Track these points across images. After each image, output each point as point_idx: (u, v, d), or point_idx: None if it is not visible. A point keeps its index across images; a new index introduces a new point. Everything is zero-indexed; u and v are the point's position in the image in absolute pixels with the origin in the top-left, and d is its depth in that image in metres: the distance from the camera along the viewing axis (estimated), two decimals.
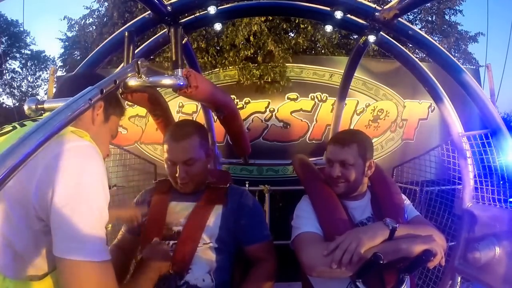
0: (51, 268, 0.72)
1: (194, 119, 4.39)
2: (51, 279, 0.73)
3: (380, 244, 1.01)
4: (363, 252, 0.98)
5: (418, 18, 7.50)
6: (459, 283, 1.76)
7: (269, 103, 5.08)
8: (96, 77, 0.86)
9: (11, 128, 0.79)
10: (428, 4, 6.83)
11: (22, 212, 0.68)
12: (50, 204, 0.65)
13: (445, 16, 7.30)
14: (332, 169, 1.19)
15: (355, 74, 2.43)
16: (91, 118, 0.87)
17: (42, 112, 0.82)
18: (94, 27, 7.06)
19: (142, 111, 4.74)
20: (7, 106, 13.70)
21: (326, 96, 5.06)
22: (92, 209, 0.68)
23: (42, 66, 14.68)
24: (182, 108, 4.96)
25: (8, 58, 13.80)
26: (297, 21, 5.34)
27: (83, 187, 0.67)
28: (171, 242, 1.18)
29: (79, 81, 0.89)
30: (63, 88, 0.91)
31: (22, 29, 13.84)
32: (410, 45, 3.61)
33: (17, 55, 14.41)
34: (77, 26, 7.46)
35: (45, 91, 14.01)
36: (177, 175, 1.19)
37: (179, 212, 1.24)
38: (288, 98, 5.09)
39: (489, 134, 1.62)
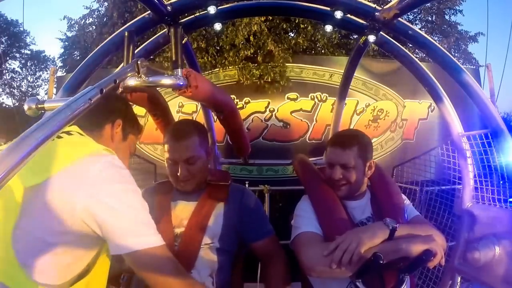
0: (82, 273, 0.79)
1: (194, 119, 4.38)
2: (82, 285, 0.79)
3: (380, 244, 1.01)
4: (363, 252, 0.98)
5: (418, 18, 7.50)
6: (459, 283, 1.75)
7: (269, 103, 5.08)
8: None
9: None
10: (428, 4, 6.84)
11: (66, 220, 0.74)
12: (101, 211, 0.74)
13: (445, 16, 7.31)
14: (333, 172, 1.19)
15: (355, 74, 2.43)
16: (110, 136, 0.95)
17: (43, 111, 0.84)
18: (94, 27, 7.07)
19: (141, 111, 4.72)
20: (7, 106, 13.69)
21: (326, 96, 5.06)
22: (139, 206, 0.80)
23: (42, 66, 14.68)
24: (182, 108, 4.96)
25: (8, 58, 13.80)
26: (297, 21, 5.34)
27: (126, 191, 0.79)
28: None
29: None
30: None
31: (22, 29, 13.85)
32: (410, 45, 3.61)
33: (17, 55, 14.41)
34: (77, 26, 7.48)
35: (45, 91, 14.02)
36: (178, 173, 1.20)
37: (181, 213, 1.23)
38: (288, 98, 5.09)
39: (489, 134, 1.62)
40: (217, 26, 1.83)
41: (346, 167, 1.18)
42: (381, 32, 1.74)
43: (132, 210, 0.78)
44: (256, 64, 4.93)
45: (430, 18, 7.35)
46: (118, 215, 0.75)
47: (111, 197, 0.75)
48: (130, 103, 1.12)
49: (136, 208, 0.79)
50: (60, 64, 9.58)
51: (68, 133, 0.85)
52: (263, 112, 5.07)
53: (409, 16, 7.32)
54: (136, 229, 0.77)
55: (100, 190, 0.75)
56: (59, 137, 0.82)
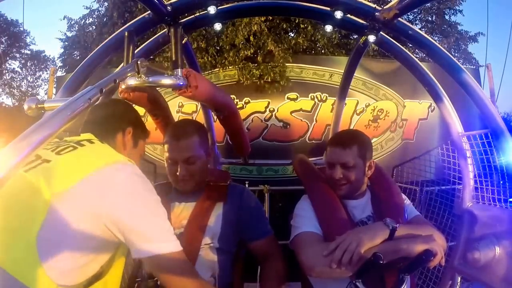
0: (97, 274, 0.83)
1: (194, 119, 4.39)
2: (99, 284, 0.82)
3: (380, 244, 1.01)
4: (363, 252, 0.98)
5: (418, 18, 7.50)
6: (459, 283, 1.75)
7: (269, 103, 5.08)
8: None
9: (72, 148, 0.85)
10: (428, 4, 6.83)
11: (90, 224, 0.78)
12: (125, 218, 0.79)
13: (445, 16, 7.31)
14: (334, 172, 1.19)
15: (355, 74, 2.43)
16: (122, 144, 1.01)
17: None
18: (94, 27, 7.07)
19: (141, 111, 4.72)
20: (7, 106, 13.68)
21: (326, 96, 5.06)
22: (160, 213, 0.86)
23: (42, 66, 14.65)
24: (182, 108, 4.95)
25: (8, 58, 13.80)
26: (297, 21, 5.33)
27: (149, 199, 0.85)
28: None
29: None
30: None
31: (22, 29, 13.83)
32: (410, 45, 3.61)
33: (17, 55, 14.38)
34: (77, 26, 7.48)
35: (45, 91, 14.00)
36: (177, 173, 1.20)
37: (180, 213, 1.23)
38: (288, 98, 5.09)
39: (489, 134, 1.62)
40: (217, 26, 1.83)
41: (346, 167, 1.18)
42: (381, 32, 1.74)
43: (154, 217, 0.84)
44: (256, 64, 4.93)
45: (430, 18, 7.35)
46: (140, 222, 0.80)
47: (135, 205, 0.81)
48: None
49: (157, 215, 0.85)
50: (60, 64, 9.55)
51: (90, 141, 0.89)
52: (263, 112, 5.07)
53: (409, 16, 7.32)
54: (157, 235, 0.83)
55: (125, 199, 0.80)
56: (81, 145, 0.86)
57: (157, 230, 0.83)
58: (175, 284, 0.86)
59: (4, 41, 13.66)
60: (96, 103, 0.72)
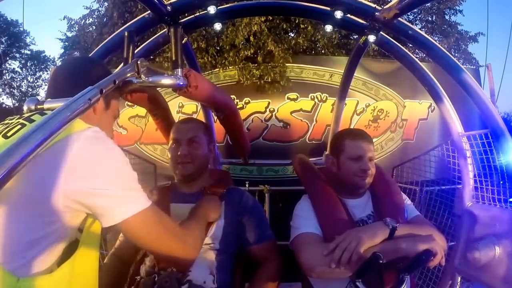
0: (60, 259, 0.75)
1: (191, 118, 4.39)
2: (62, 270, 0.75)
3: (380, 243, 1.01)
4: (362, 252, 0.98)
5: (418, 18, 7.49)
6: (459, 283, 1.75)
7: (269, 103, 5.08)
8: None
9: (20, 126, 0.77)
10: (428, 4, 6.83)
11: (35, 210, 0.71)
12: (87, 187, 0.72)
13: (445, 16, 7.30)
14: (363, 164, 1.20)
15: (355, 74, 2.43)
16: (92, 108, 0.87)
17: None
18: (94, 27, 7.06)
19: (142, 111, 4.74)
20: (7, 106, 13.68)
21: (326, 96, 5.06)
22: (122, 174, 0.77)
23: (42, 66, 14.64)
24: (182, 108, 4.95)
25: (8, 58, 13.80)
26: (297, 21, 5.33)
27: (107, 160, 0.76)
28: None
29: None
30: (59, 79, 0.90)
31: (22, 29, 13.83)
32: (410, 45, 3.61)
33: (17, 55, 14.38)
34: (77, 26, 7.46)
35: (45, 91, 13.94)
36: (179, 153, 1.22)
37: (180, 214, 1.23)
38: (288, 98, 5.09)
39: (489, 134, 1.62)
40: (217, 26, 1.83)
41: (371, 160, 1.21)
42: (381, 32, 1.74)
43: (117, 180, 0.76)
44: (256, 64, 4.93)
45: (430, 18, 7.34)
46: (104, 189, 0.73)
47: (95, 173, 0.73)
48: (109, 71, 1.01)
49: (121, 176, 0.77)
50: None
51: (42, 113, 0.80)
52: (263, 112, 5.07)
53: (409, 16, 7.31)
54: (124, 198, 0.76)
55: (83, 169, 0.71)
56: (31, 120, 0.77)
57: (124, 193, 0.76)
58: (153, 244, 0.83)
59: (4, 41, 13.66)
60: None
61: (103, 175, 0.74)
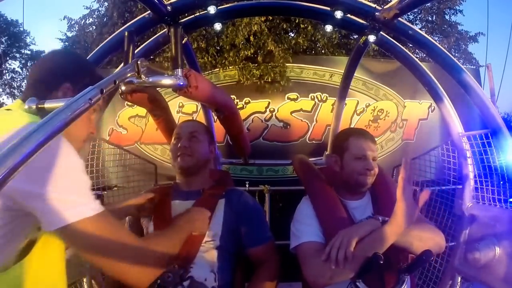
0: (15, 259, 0.71)
1: (194, 119, 4.39)
2: (16, 269, 0.71)
3: (381, 243, 1.01)
4: (354, 244, 0.99)
5: (418, 18, 7.49)
6: (459, 283, 1.75)
7: (269, 103, 5.08)
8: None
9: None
10: (428, 4, 6.82)
11: None
12: (28, 188, 0.65)
13: (445, 16, 7.29)
14: (369, 164, 1.20)
15: (355, 74, 2.43)
16: None
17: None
18: (94, 27, 7.05)
19: (142, 111, 4.74)
20: None
21: (326, 96, 5.05)
22: (68, 172, 0.69)
23: None
24: (182, 108, 4.95)
25: (8, 58, 13.79)
26: (297, 21, 5.33)
27: (51, 157, 0.67)
28: None
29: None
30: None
31: (22, 29, 13.82)
32: (410, 45, 3.61)
33: (17, 55, 14.36)
34: (77, 26, 7.45)
35: None
36: (179, 145, 1.26)
37: (181, 211, 1.24)
38: (288, 98, 5.09)
39: (489, 134, 1.62)
40: (217, 26, 1.83)
41: (374, 160, 1.22)
42: (381, 32, 1.74)
43: (63, 179, 0.68)
44: (256, 64, 4.93)
45: (430, 18, 7.34)
46: (47, 188, 0.65)
47: (37, 171, 0.65)
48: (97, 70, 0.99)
49: (67, 175, 0.69)
50: None
51: (8, 110, 0.77)
52: (263, 112, 5.07)
53: (409, 16, 7.31)
54: (70, 200, 0.68)
55: (25, 169, 0.62)
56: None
57: (69, 194, 0.68)
58: (103, 257, 0.72)
59: (4, 41, 13.66)
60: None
61: (46, 176, 0.66)
